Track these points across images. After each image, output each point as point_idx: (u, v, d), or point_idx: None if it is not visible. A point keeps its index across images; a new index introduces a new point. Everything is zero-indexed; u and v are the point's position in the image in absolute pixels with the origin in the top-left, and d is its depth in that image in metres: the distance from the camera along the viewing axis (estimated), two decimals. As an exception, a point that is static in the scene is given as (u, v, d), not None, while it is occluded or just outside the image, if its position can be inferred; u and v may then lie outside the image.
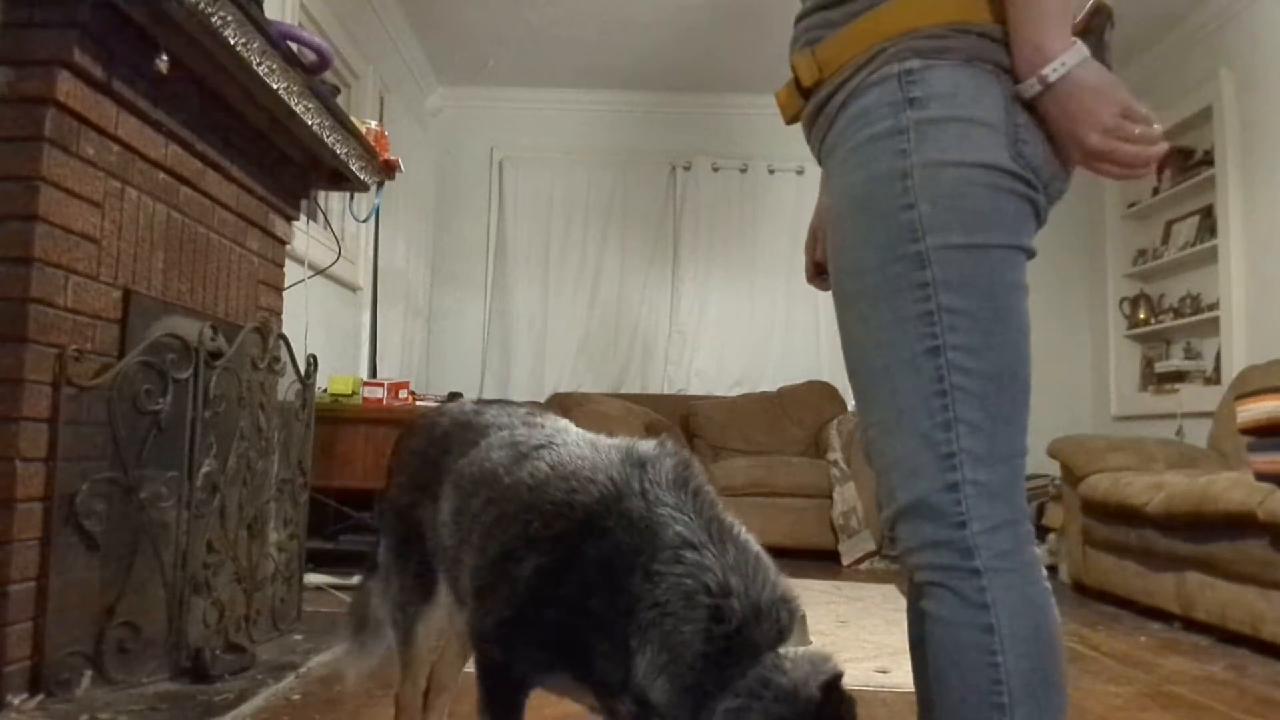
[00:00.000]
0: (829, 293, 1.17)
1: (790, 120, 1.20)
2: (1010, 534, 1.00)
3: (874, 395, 1.05)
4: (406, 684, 1.59)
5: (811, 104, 1.12)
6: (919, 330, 0.99)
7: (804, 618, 1.14)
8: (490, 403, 1.58)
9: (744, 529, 1.17)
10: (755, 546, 1.15)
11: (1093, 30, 1.05)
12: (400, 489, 1.55)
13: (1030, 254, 1.04)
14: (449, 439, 1.48)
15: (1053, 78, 0.97)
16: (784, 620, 1.10)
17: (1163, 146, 1.00)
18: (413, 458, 1.55)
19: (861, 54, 1.03)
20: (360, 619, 1.68)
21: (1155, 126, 0.99)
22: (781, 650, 1.08)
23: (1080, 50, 0.98)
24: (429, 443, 1.52)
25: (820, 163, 1.15)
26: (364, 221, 4.10)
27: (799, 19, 1.15)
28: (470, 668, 1.75)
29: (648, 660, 1.08)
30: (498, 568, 1.23)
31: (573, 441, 1.31)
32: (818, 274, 1.34)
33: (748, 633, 1.07)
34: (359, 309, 4.82)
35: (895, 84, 1.01)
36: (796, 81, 1.12)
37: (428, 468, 1.48)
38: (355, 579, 3.46)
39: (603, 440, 1.31)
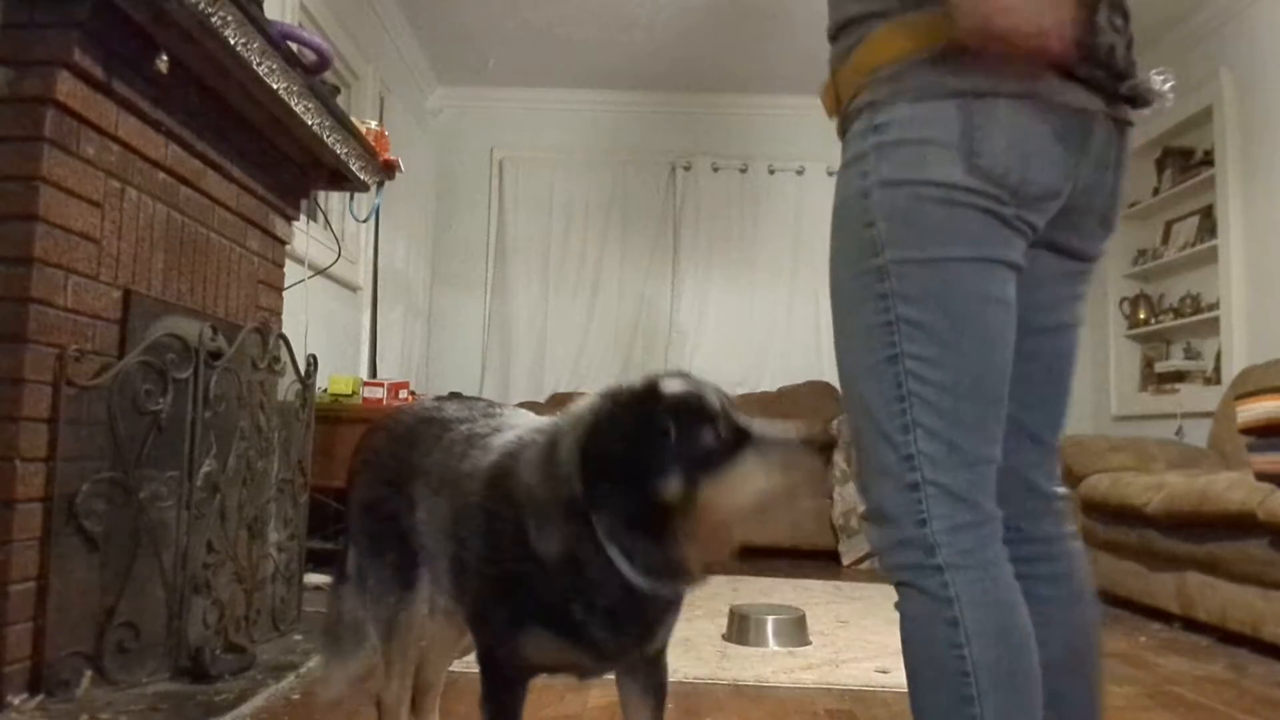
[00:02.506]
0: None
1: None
2: (973, 534, 1.03)
3: (849, 399, 1.11)
4: (391, 682, 1.58)
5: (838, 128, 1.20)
6: (880, 339, 1.05)
7: None
8: (452, 398, 1.60)
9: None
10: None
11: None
12: (368, 486, 1.55)
13: (1010, 265, 1.06)
14: (414, 436, 1.49)
15: None
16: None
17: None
18: (379, 456, 1.55)
19: (851, 90, 1.11)
20: (335, 627, 1.65)
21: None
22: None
23: None
24: (393, 440, 1.53)
25: None
26: (364, 221, 4.10)
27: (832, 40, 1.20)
28: (459, 666, 1.76)
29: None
30: (464, 562, 1.28)
31: (519, 424, 1.37)
32: None
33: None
34: (359, 309, 4.82)
35: (866, 115, 1.08)
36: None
37: (395, 465, 1.49)
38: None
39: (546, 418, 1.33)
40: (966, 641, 1.00)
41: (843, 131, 1.14)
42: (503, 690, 1.28)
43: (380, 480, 1.52)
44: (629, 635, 1.23)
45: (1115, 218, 1.21)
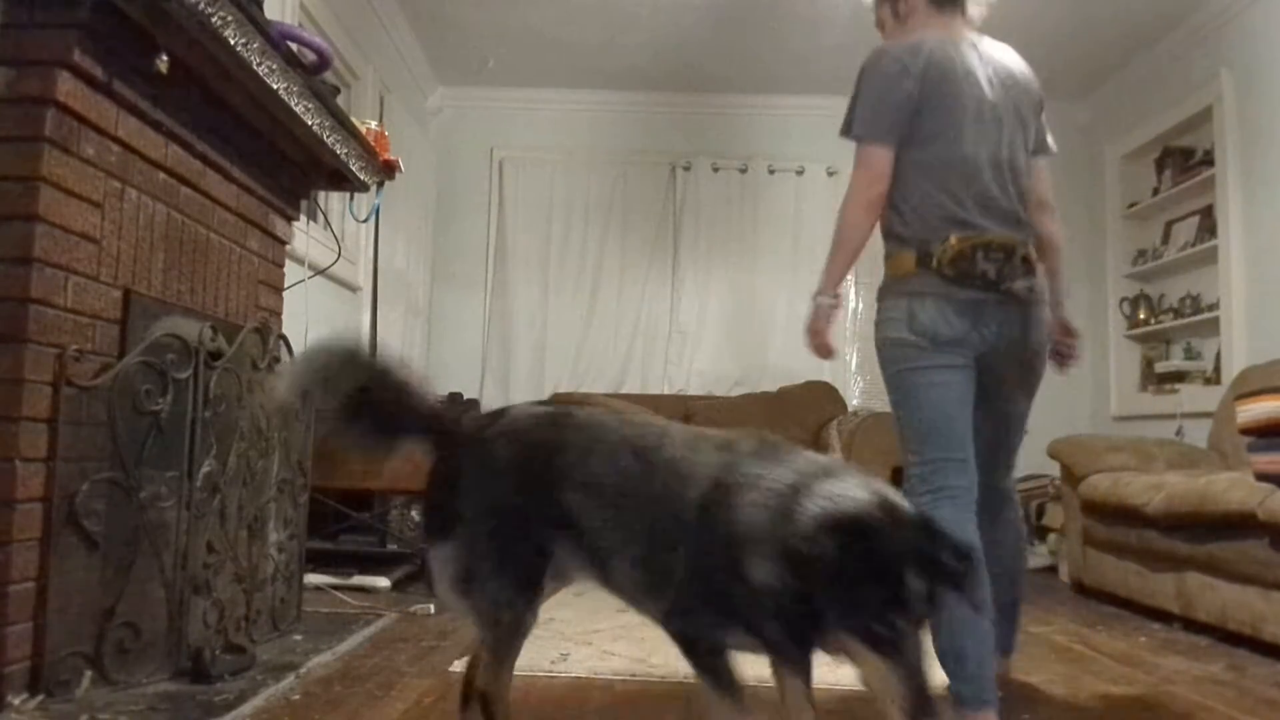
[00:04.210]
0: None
1: None
2: (929, 498, 2.05)
3: None
4: (502, 674, 1.73)
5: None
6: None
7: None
8: (561, 404, 1.79)
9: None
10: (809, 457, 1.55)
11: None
12: (496, 493, 1.67)
13: (941, 367, 2.10)
14: (554, 445, 1.67)
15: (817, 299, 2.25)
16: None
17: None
18: (512, 460, 1.68)
19: (884, 280, 2.24)
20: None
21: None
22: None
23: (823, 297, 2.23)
24: (530, 447, 1.69)
25: None
26: (364, 221, 4.10)
27: None
28: (459, 666, 1.77)
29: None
30: (661, 560, 1.54)
31: (678, 436, 1.65)
32: None
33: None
34: (359, 309, 4.82)
35: (880, 300, 2.21)
36: None
37: (535, 472, 1.66)
38: (355, 579, 3.47)
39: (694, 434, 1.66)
40: None
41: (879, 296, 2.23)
42: (711, 664, 1.57)
43: (512, 488, 1.66)
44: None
45: (1031, 356, 2.23)
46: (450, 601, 1.72)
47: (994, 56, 2.24)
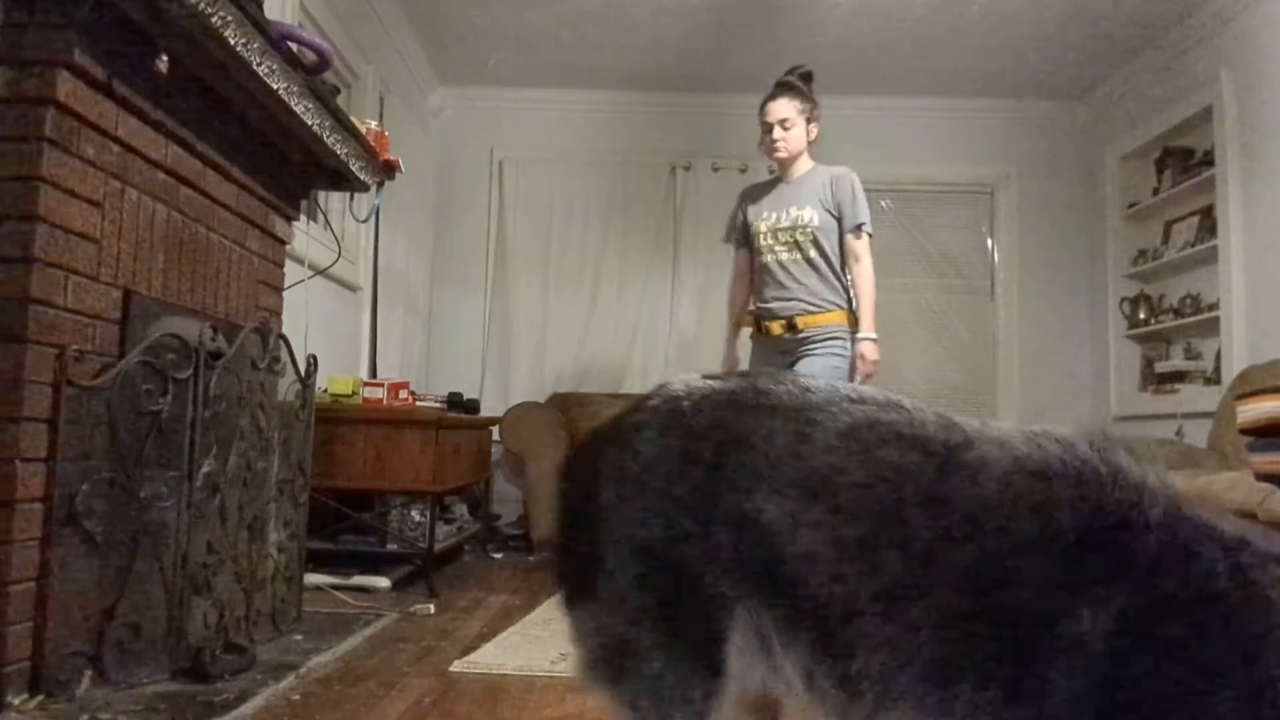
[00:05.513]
0: None
1: (776, 336, 3.43)
2: None
3: None
4: None
5: (798, 336, 3.37)
6: None
7: None
8: (745, 376, 1.15)
9: None
10: None
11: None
12: (649, 517, 1.07)
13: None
14: (731, 432, 1.06)
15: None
16: None
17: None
18: (661, 466, 1.08)
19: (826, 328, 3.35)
20: None
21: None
22: None
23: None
24: (690, 438, 1.08)
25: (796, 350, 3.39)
26: (364, 221, 4.09)
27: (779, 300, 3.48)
28: (459, 666, 1.76)
29: None
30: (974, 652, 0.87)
31: (996, 434, 0.97)
32: None
33: None
34: (359, 309, 4.82)
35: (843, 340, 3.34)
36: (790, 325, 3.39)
37: (698, 478, 1.06)
38: (355, 579, 3.47)
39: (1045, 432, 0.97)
40: None
41: (817, 339, 3.34)
42: None
43: (671, 505, 1.06)
44: None
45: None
46: (600, 692, 1.12)
47: None
